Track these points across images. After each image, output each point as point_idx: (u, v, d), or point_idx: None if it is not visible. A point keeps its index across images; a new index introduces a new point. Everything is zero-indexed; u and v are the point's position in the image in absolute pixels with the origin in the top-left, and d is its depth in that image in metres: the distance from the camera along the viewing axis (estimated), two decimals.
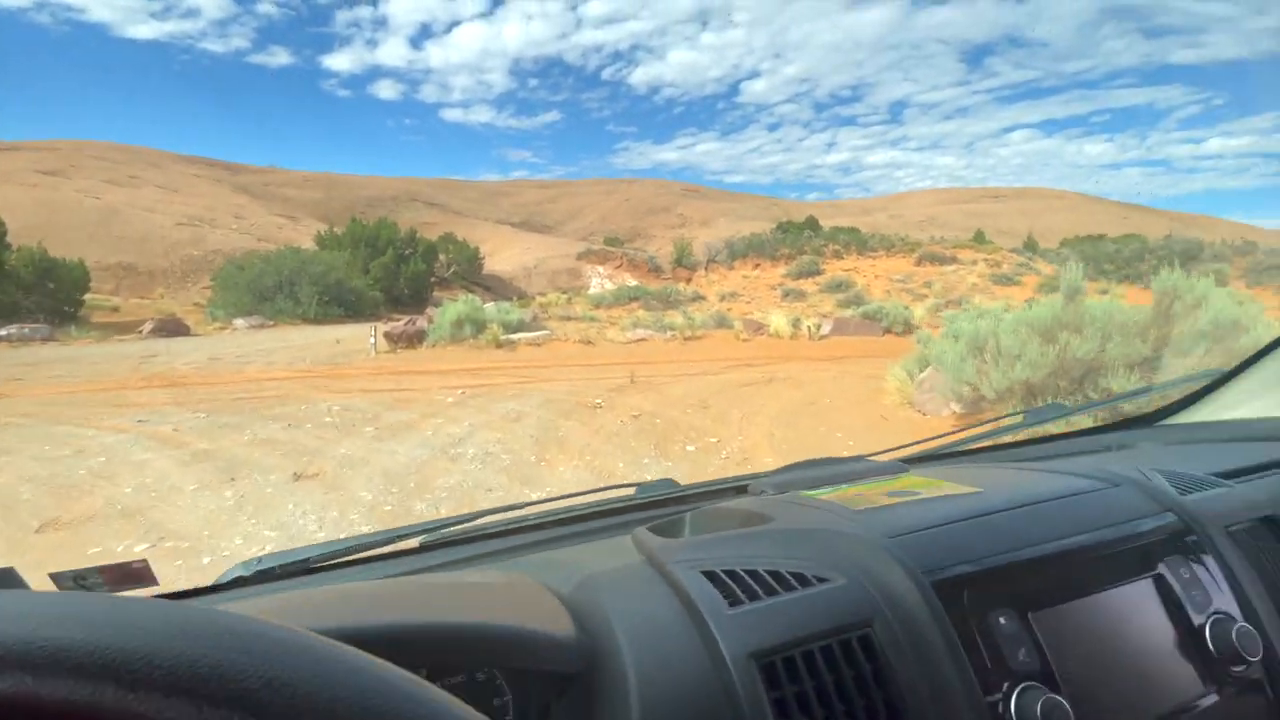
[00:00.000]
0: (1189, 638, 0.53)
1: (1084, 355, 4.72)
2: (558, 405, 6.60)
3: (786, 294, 23.56)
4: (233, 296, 19.33)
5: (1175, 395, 1.20)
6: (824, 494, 0.67)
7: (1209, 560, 0.57)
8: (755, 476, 0.85)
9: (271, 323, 18.28)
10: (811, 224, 40.78)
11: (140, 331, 15.92)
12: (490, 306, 13.77)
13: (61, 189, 33.59)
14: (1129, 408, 1.31)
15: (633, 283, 31.89)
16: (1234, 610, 0.55)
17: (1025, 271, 24.83)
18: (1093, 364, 4.74)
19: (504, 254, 44.35)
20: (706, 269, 34.97)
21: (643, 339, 12.70)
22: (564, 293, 29.90)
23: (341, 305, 20.85)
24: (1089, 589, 0.53)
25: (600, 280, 37.07)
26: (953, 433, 1.03)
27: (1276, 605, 0.58)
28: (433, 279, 29.90)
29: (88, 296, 19.27)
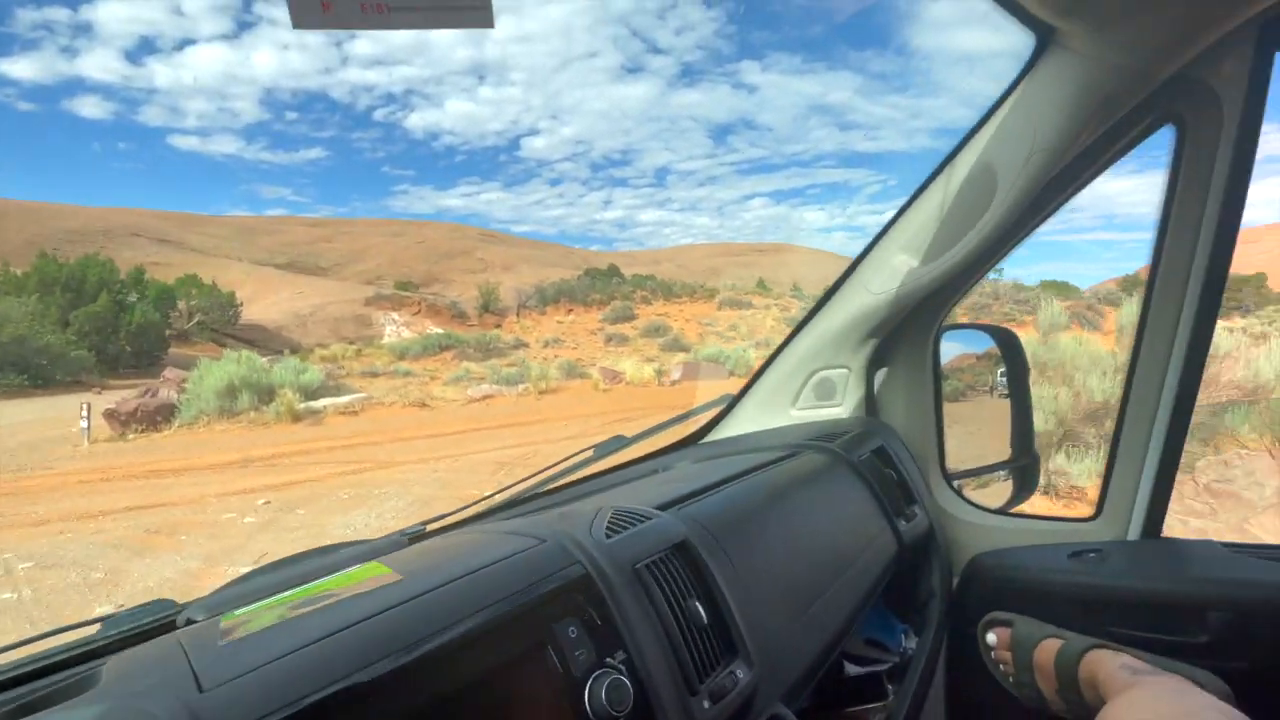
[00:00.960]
0: (571, 701, 0.51)
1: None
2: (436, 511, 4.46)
3: (609, 339, 22.87)
4: None
5: (711, 415, 1.32)
6: (247, 611, 0.55)
7: (610, 608, 0.57)
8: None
9: None
10: (614, 271, 41.35)
11: None
12: (277, 365, 10.50)
13: None
14: (682, 430, 1.30)
15: (436, 330, 28.80)
16: (621, 659, 0.55)
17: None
18: None
19: (267, 300, 37.62)
20: (519, 315, 33.18)
21: (488, 396, 10.58)
22: (351, 343, 25.86)
23: (24, 371, 14.87)
24: (470, 676, 0.48)
25: (396, 328, 33.05)
26: (529, 477, 1.00)
27: (673, 636, 0.58)
28: (169, 332, 23.58)
29: None
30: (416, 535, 0.79)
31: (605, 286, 32.89)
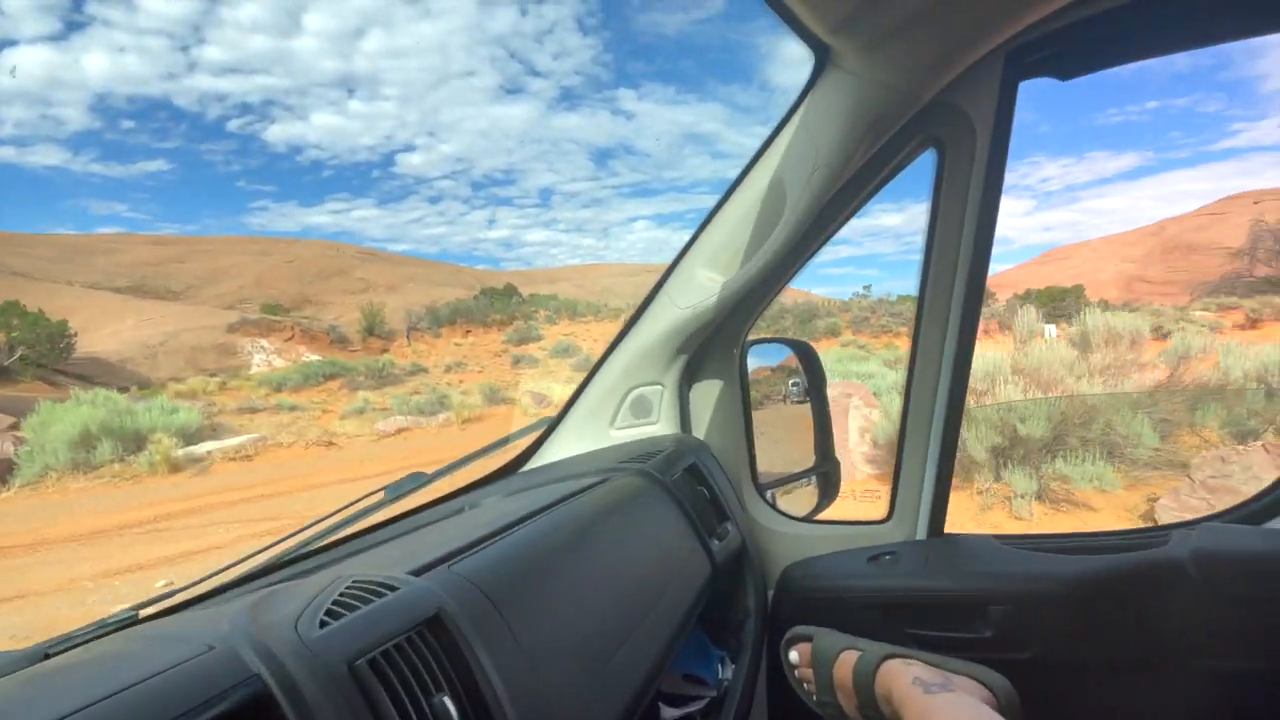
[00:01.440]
0: None
1: None
2: None
3: (518, 360, 21.95)
4: None
5: (531, 440, 1.27)
6: None
7: None
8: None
9: None
10: (512, 291, 40.23)
11: None
12: (141, 405, 8.96)
13: None
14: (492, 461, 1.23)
15: (314, 357, 26.48)
16: None
17: None
18: None
19: (107, 329, 32.91)
20: (409, 338, 31.25)
21: (403, 429, 9.60)
22: (212, 375, 23.15)
23: None
24: None
25: (266, 357, 29.99)
26: (302, 530, 0.87)
27: None
28: None
29: None
30: (68, 645, 0.59)
31: (505, 306, 31.79)
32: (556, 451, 1.25)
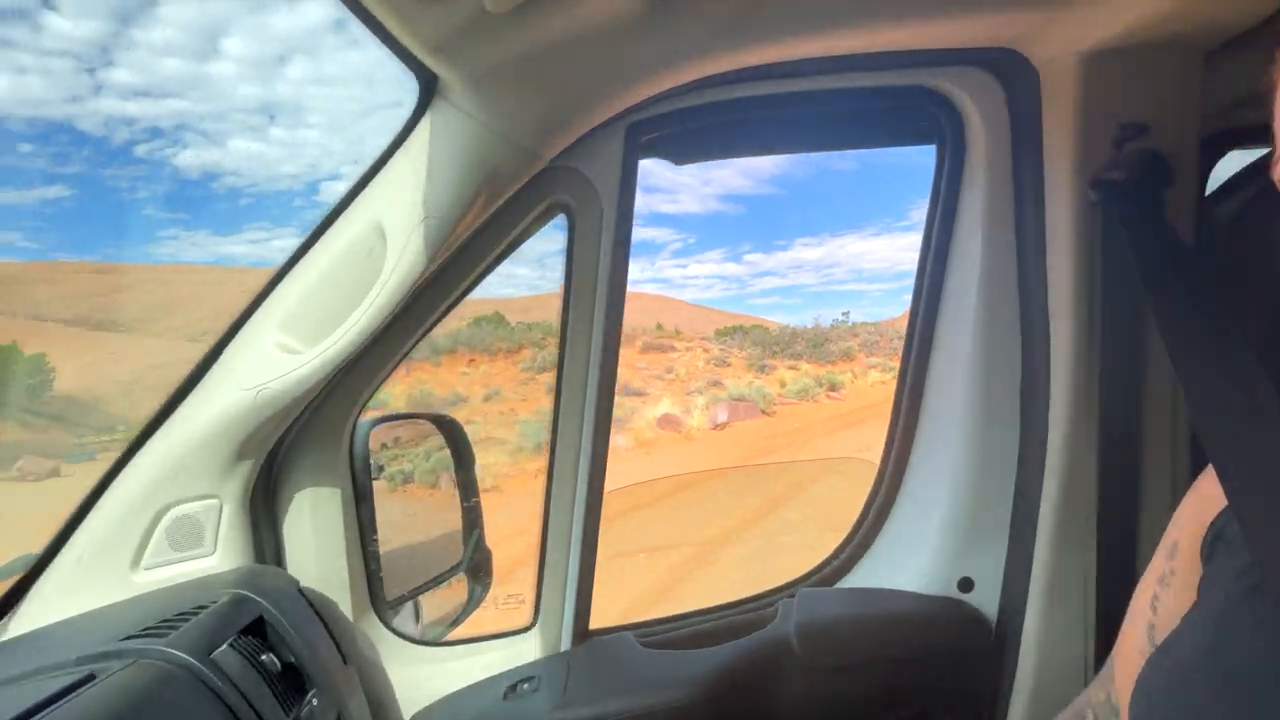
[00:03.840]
0: None
1: None
2: None
3: (550, 389, 21.52)
4: None
5: None
6: None
7: None
8: None
9: None
10: (500, 319, 39.64)
11: None
12: None
13: None
14: None
15: None
16: None
17: (730, 355, 28.57)
18: None
19: (68, 364, 30.31)
20: (406, 369, 30.37)
21: None
22: None
23: None
24: None
25: None
26: None
27: None
28: None
29: None
30: None
31: (509, 334, 31.25)
32: (39, 613, 0.84)
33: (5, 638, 0.81)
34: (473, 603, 1.21)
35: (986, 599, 1.10)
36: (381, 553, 1.08)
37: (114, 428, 19.18)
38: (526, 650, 1.10)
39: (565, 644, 1.10)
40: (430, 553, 1.21)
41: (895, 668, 1.09)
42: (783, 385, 19.84)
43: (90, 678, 0.63)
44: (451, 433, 1.20)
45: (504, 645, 1.11)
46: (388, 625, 1.07)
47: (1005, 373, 1.04)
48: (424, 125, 0.83)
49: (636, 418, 13.63)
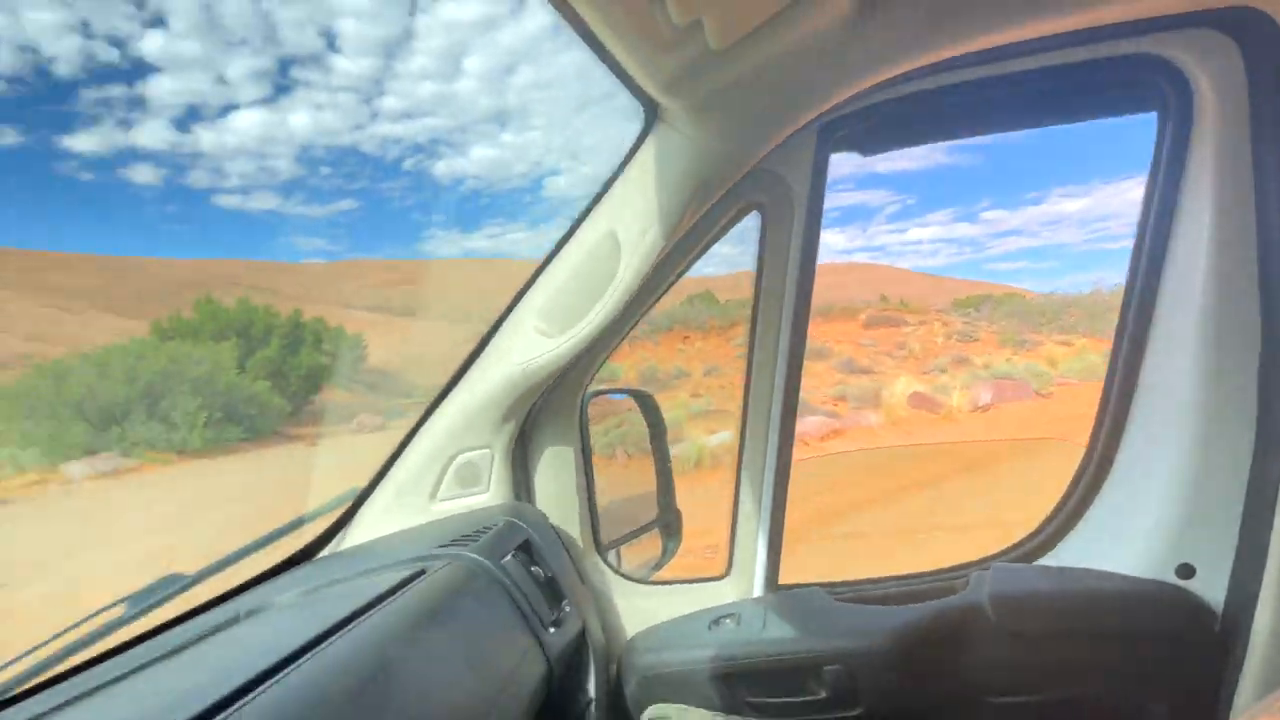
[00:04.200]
0: None
1: None
2: None
3: None
4: (49, 427, 11.92)
5: (333, 518, 1.14)
6: None
7: None
8: None
9: (134, 463, 11.41)
10: (710, 297, 40.35)
11: None
12: None
13: None
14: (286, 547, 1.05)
15: None
16: None
17: (977, 329, 25.72)
18: None
19: (375, 344, 37.49)
20: (629, 345, 32.32)
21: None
22: None
23: (239, 423, 14.05)
24: None
25: None
26: (36, 649, 0.71)
27: None
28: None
29: None
30: None
31: (721, 311, 31.81)
32: (366, 531, 1.11)
33: (343, 547, 1.11)
34: (666, 555, 1.35)
35: (1210, 587, 1.04)
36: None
37: (411, 393, 23.27)
38: (721, 594, 1.21)
39: (757, 593, 1.20)
40: (631, 509, 1.36)
41: (1100, 645, 1.08)
42: (1052, 364, 17.14)
43: (421, 572, 0.88)
44: (646, 405, 1.34)
45: (700, 589, 1.23)
46: (603, 559, 1.25)
47: (1240, 351, 0.99)
48: (648, 146, 0.96)
49: (884, 396, 12.84)
